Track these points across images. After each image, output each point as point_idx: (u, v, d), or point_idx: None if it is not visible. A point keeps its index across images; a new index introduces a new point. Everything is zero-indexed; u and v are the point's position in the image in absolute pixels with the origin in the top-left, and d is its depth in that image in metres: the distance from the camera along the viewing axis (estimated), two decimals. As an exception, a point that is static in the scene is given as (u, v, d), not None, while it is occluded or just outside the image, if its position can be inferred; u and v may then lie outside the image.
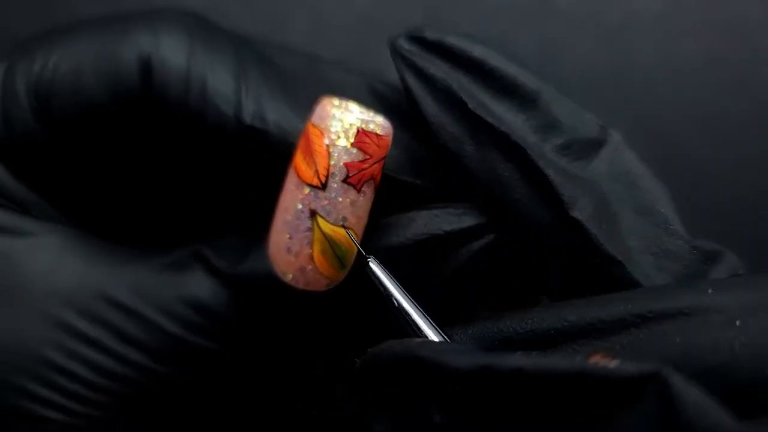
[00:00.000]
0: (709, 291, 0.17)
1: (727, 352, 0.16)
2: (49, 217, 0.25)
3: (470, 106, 0.21)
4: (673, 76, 0.38)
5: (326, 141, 0.20)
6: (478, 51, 0.22)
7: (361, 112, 0.21)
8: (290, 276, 0.21)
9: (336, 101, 0.21)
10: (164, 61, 0.23)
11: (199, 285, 0.23)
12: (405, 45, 0.22)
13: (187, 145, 0.24)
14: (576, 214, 0.20)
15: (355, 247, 0.21)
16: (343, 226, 0.21)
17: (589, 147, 0.22)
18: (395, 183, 0.23)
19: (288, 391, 0.26)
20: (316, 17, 0.38)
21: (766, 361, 0.15)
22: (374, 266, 0.20)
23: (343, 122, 0.20)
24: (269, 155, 0.22)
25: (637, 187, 0.22)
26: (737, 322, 0.16)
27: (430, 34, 0.22)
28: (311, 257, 0.21)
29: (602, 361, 0.14)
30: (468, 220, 0.22)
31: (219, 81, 0.23)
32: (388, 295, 0.20)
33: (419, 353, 0.16)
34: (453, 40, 0.22)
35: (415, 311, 0.19)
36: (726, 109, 0.38)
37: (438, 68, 0.22)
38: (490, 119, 0.21)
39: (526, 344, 0.18)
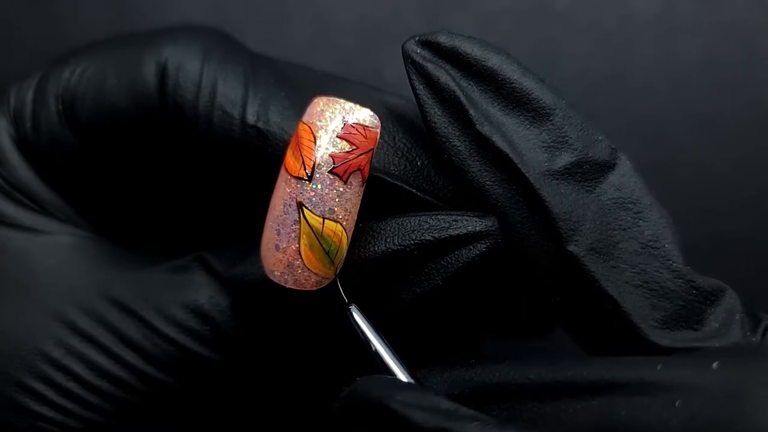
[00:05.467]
0: (658, 367, 0.18)
1: (665, 430, 0.17)
2: (68, 219, 0.26)
3: (477, 126, 0.21)
4: (672, 78, 0.38)
5: (313, 134, 0.20)
6: (492, 60, 0.21)
7: (347, 105, 0.21)
8: (278, 273, 0.21)
9: (324, 98, 0.21)
10: (179, 66, 0.23)
11: (199, 289, 0.23)
12: (417, 50, 0.22)
13: (198, 149, 0.24)
14: (572, 248, 0.20)
15: (345, 243, 0.21)
16: (327, 218, 0.21)
17: (599, 169, 0.21)
18: (397, 192, 0.23)
19: (284, 399, 0.27)
20: (317, 19, 0.38)
21: None
22: (355, 314, 0.21)
23: (330, 116, 0.21)
24: (272, 158, 0.23)
25: (643, 218, 0.21)
26: (677, 403, 0.17)
27: (445, 40, 0.22)
28: (298, 252, 0.20)
29: None
30: (458, 228, 0.21)
31: (228, 86, 0.23)
32: (367, 341, 0.21)
33: (389, 404, 0.17)
34: (468, 48, 0.22)
35: (391, 359, 0.20)
36: (725, 111, 0.38)
37: (449, 77, 0.21)
38: (496, 141, 0.21)
39: (493, 395, 0.19)
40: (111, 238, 0.26)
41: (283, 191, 0.21)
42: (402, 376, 0.20)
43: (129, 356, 0.23)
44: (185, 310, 0.23)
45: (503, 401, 0.19)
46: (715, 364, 0.17)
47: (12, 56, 0.39)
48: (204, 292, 0.23)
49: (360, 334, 0.21)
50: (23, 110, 0.25)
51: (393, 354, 0.20)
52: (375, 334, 0.21)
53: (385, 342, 0.21)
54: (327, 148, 0.20)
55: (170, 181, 0.26)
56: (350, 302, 0.21)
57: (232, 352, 0.23)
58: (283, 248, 0.21)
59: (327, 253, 0.21)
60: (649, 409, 0.17)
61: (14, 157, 0.25)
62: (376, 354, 0.20)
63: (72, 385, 0.23)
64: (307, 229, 0.20)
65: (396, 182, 0.22)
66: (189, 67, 0.23)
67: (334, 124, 0.20)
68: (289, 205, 0.20)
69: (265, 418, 0.27)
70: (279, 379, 0.26)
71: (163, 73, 0.24)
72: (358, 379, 0.19)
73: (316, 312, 0.22)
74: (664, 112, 0.38)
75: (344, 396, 0.19)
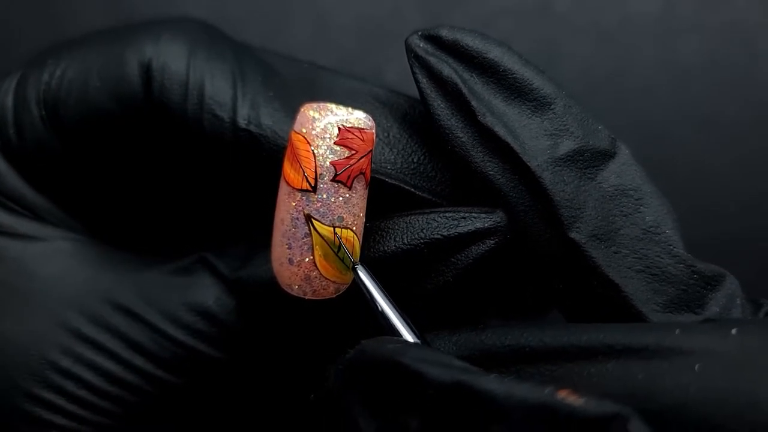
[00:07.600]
0: (677, 332, 0.17)
1: (683, 395, 0.16)
2: (61, 222, 0.25)
3: (479, 117, 0.21)
4: (672, 78, 0.38)
5: (310, 145, 0.20)
6: (493, 52, 0.22)
7: (339, 110, 0.21)
8: (296, 287, 0.21)
9: (314, 105, 0.21)
10: (164, 66, 0.23)
11: (205, 291, 0.23)
12: (420, 43, 0.22)
13: (189, 151, 0.24)
14: (574, 235, 0.21)
15: (358, 247, 0.21)
16: (336, 227, 0.20)
17: (600, 157, 0.22)
18: (394, 189, 0.22)
19: (292, 399, 0.26)
20: (317, 18, 0.38)
21: (716, 408, 0.16)
22: (361, 273, 0.21)
23: (324, 123, 0.20)
24: (266, 161, 0.22)
25: (644, 205, 0.21)
26: (696, 367, 0.16)
27: (447, 34, 0.22)
28: (314, 263, 0.20)
29: (569, 398, 0.14)
30: (467, 225, 0.21)
31: (216, 87, 0.23)
32: (373, 300, 0.20)
33: (402, 359, 0.17)
34: (469, 41, 0.22)
35: (398, 319, 0.20)
36: (725, 111, 0.38)
37: (451, 70, 0.22)
38: (498, 131, 0.21)
39: (503, 358, 0.19)
40: (107, 240, 0.26)
41: (288, 205, 0.20)
42: (409, 337, 0.20)
43: (137, 360, 0.23)
44: (192, 312, 0.23)
45: (514, 364, 0.19)
46: (734, 330, 0.17)
47: (12, 56, 0.39)
48: (210, 294, 0.23)
49: (366, 293, 0.20)
50: (5, 116, 0.24)
51: (400, 315, 0.20)
52: (382, 294, 0.20)
53: (392, 302, 0.20)
54: (326, 157, 0.20)
55: (163, 180, 0.26)
56: (356, 262, 0.21)
57: (239, 351, 0.23)
58: (297, 262, 0.20)
59: (342, 260, 0.20)
60: (666, 373, 0.17)
61: (0, 164, 0.25)
62: (383, 314, 0.20)
63: (83, 393, 0.23)
64: (319, 239, 0.20)
65: (394, 182, 0.22)
66: (174, 67, 0.23)
67: (329, 132, 0.20)
68: (297, 218, 0.20)
69: (269, 416, 0.27)
70: (283, 376, 0.26)
71: (147, 73, 0.23)
72: (362, 341, 0.18)
73: (322, 310, 0.22)
74: (664, 112, 0.38)
75: (349, 357, 0.18)
